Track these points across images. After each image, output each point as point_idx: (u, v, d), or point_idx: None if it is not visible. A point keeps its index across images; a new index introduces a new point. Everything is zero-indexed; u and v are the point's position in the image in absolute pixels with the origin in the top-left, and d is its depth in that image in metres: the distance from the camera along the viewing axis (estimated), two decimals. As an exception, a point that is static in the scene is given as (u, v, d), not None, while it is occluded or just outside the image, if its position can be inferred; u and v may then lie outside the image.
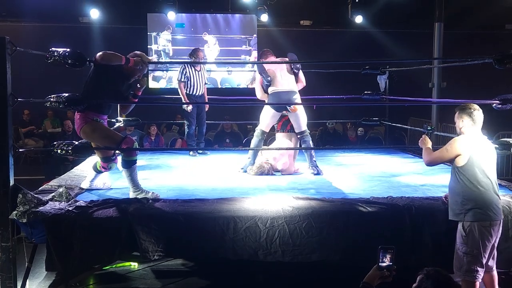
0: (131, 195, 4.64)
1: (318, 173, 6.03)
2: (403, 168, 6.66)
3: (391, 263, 2.74)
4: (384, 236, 4.18)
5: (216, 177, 5.83)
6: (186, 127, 7.81)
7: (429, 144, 4.22)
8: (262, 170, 5.96)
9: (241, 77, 13.92)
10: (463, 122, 3.99)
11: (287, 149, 6.12)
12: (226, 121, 11.05)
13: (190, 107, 7.56)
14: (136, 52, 4.81)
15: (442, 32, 10.70)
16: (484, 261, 3.82)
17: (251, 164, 6.10)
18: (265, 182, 5.55)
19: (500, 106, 4.93)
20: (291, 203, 4.34)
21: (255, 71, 6.50)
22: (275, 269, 4.60)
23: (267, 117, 6.16)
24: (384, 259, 2.74)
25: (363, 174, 6.11)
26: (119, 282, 4.91)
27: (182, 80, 7.55)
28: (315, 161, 6.14)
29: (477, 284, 3.84)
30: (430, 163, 4.17)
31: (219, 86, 13.53)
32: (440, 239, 4.26)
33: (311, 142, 6.25)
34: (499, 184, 5.33)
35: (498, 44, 12.50)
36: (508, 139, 4.75)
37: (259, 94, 6.22)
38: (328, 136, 11.10)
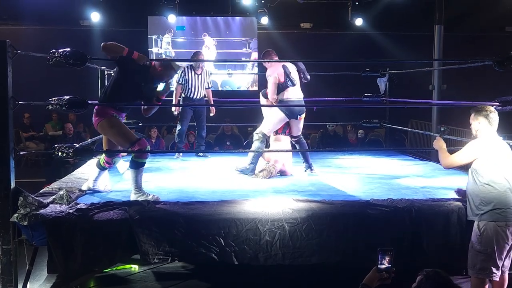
0: (132, 196, 4.66)
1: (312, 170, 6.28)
2: (403, 170, 6.67)
3: (390, 265, 2.75)
4: (384, 238, 4.19)
5: (216, 179, 5.83)
6: (177, 127, 7.81)
7: (444, 145, 4.23)
8: (272, 174, 5.98)
9: (242, 80, 13.95)
10: (479, 124, 4.02)
11: (293, 151, 6.16)
12: (226, 124, 11.06)
13: (175, 112, 7.50)
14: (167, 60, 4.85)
15: (442, 34, 10.72)
16: (499, 261, 3.85)
17: (253, 170, 6.01)
18: (265, 184, 5.56)
19: (500, 108, 4.94)
20: (291, 205, 4.35)
21: (256, 73, 6.44)
22: (275, 271, 4.60)
23: (274, 122, 6.07)
24: (383, 261, 2.75)
25: (363, 176, 6.12)
26: (119, 284, 4.91)
27: (180, 82, 7.49)
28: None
29: (487, 283, 3.89)
30: (448, 167, 4.22)
31: (220, 89, 13.56)
32: (440, 241, 4.27)
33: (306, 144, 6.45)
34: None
35: (498, 47, 12.52)
36: (508, 141, 4.76)
37: (273, 96, 5.97)
38: (328, 138, 11.10)
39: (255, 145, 6.06)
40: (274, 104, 6.00)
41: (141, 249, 4.04)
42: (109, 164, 4.98)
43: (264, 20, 12.38)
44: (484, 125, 4.00)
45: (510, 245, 3.88)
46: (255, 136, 6.12)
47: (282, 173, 6.17)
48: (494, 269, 3.84)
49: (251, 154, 6.11)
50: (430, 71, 10.59)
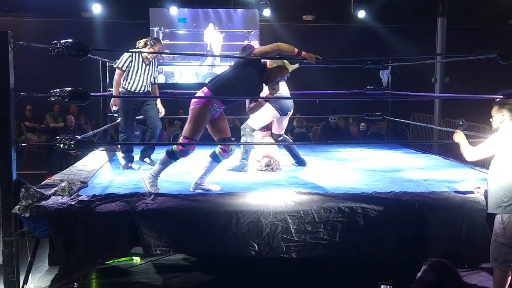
0: (144, 176, 4.72)
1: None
2: (406, 163, 6.65)
3: None
4: (387, 231, 4.18)
5: (218, 171, 5.80)
6: (120, 135, 6.13)
7: (464, 138, 4.31)
8: (277, 168, 5.96)
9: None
10: (502, 117, 4.06)
11: (296, 143, 6.13)
12: (228, 116, 11.02)
13: (114, 107, 6.19)
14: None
15: (445, 27, 10.67)
16: None
17: (244, 166, 5.88)
18: (267, 177, 5.55)
19: (503, 101, 4.93)
20: (293, 198, 4.34)
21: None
22: (277, 264, 4.60)
23: (264, 118, 6.00)
24: None
25: (365, 169, 6.11)
26: (121, 276, 4.91)
27: (122, 68, 5.94)
28: None
29: (510, 274, 3.91)
30: (471, 159, 4.30)
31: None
32: (443, 234, 4.25)
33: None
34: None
35: (501, 40, 12.47)
36: None
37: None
38: (330, 131, 11.09)
39: (246, 139, 5.95)
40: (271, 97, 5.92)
41: (143, 241, 4.04)
42: (226, 153, 4.91)
43: (266, 12, 12.33)
44: (508, 118, 4.04)
45: None
46: (243, 131, 5.99)
47: None
48: None
49: (241, 150, 5.96)
50: (433, 64, 10.55)
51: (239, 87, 4.74)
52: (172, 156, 4.73)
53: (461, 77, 11.43)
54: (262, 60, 4.82)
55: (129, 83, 5.96)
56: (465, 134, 4.39)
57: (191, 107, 4.75)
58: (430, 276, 2.46)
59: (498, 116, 4.08)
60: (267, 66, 4.88)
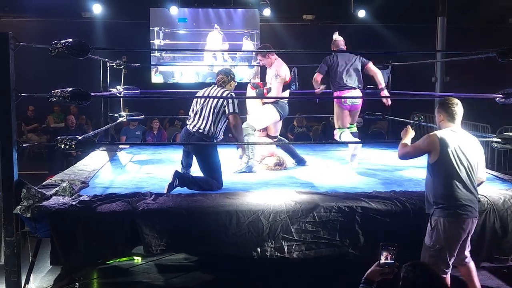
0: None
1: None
2: (405, 162, 6.59)
3: (393, 261, 2.73)
4: (387, 230, 4.19)
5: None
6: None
7: (410, 136, 4.16)
8: (286, 165, 6.04)
9: (244, 72, 13.92)
10: (441, 117, 3.86)
11: (298, 143, 6.13)
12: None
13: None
14: None
15: (445, 26, 10.68)
16: (450, 257, 3.72)
17: (252, 165, 5.82)
18: (267, 177, 5.56)
19: (503, 100, 4.95)
20: (293, 198, 4.35)
21: (259, 65, 6.36)
22: (277, 263, 4.61)
23: (267, 120, 6.08)
24: (385, 256, 2.73)
25: (365, 168, 6.12)
26: (122, 276, 4.93)
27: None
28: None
29: (446, 278, 3.73)
30: (402, 157, 4.12)
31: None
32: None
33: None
34: (501, 178, 5.36)
35: (500, 39, 12.47)
36: (509, 133, 4.75)
37: (277, 95, 5.89)
38: (330, 131, 11.06)
39: (250, 139, 5.87)
40: (271, 101, 5.98)
41: (144, 241, 4.05)
42: None
43: (266, 12, 12.32)
44: (446, 117, 3.83)
45: (463, 239, 3.75)
46: (245, 130, 5.85)
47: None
48: (442, 265, 3.69)
49: (246, 151, 5.87)
50: (433, 63, 10.55)
51: None
52: None
53: (461, 76, 11.43)
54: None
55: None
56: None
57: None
58: (414, 275, 2.46)
59: (438, 116, 3.89)
60: None
